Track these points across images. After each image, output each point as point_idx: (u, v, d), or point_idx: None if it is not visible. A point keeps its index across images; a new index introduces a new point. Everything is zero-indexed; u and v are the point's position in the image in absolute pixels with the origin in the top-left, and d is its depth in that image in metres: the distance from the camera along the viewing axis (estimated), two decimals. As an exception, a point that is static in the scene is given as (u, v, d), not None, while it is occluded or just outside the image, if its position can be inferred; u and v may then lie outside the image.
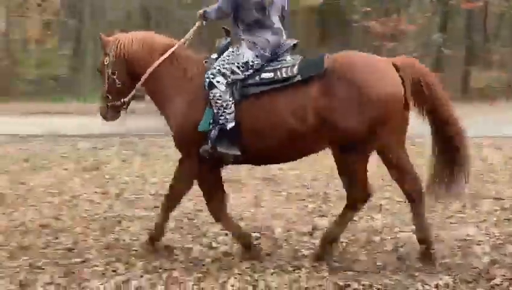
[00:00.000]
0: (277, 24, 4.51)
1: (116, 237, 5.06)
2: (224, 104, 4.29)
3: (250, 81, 4.38)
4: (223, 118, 4.29)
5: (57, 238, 5.03)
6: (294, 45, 4.57)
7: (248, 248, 4.52)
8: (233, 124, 4.31)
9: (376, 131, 4.13)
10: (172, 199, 4.61)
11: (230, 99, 4.33)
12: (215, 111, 4.30)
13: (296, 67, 4.31)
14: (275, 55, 4.46)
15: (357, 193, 4.31)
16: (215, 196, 4.58)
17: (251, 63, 4.39)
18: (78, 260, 4.48)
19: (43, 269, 4.29)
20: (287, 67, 4.34)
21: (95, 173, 7.70)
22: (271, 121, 4.28)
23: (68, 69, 20.40)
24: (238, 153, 4.35)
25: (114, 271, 4.26)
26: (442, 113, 4.29)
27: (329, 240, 4.42)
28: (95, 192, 6.67)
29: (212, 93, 4.30)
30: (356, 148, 4.18)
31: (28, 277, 4.11)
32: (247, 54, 4.40)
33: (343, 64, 4.26)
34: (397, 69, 4.25)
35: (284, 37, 4.54)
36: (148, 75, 4.52)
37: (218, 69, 4.35)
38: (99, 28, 22.81)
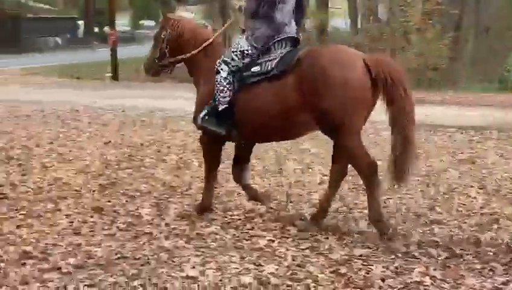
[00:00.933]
0: (280, 19, 4.94)
1: (493, 236, 4.95)
2: (221, 88, 5.04)
3: (245, 73, 5.01)
4: (217, 99, 5.07)
5: (432, 229, 5.16)
6: (293, 38, 5.08)
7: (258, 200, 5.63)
8: (224, 106, 5.04)
9: (340, 112, 4.59)
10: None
11: (227, 85, 5.03)
12: (215, 93, 5.07)
13: (276, 61, 4.89)
14: (271, 47, 5.02)
15: (361, 166, 4.72)
16: (238, 164, 5.60)
17: (246, 52, 5.03)
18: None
19: (418, 259, 4.45)
20: (271, 60, 4.92)
21: (471, 166, 7.60)
22: (257, 107, 4.91)
23: (447, 59, 20.33)
24: (223, 132, 5.13)
25: (491, 271, 4.21)
26: (400, 105, 4.58)
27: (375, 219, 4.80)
28: (471, 186, 6.60)
29: (216, 78, 5.05)
30: (333, 128, 4.71)
31: (404, 265, 4.31)
32: (243, 44, 5.06)
33: (313, 55, 4.77)
34: (367, 63, 4.60)
35: (289, 31, 5.04)
36: (187, 57, 5.53)
37: (224, 58, 5.10)
38: (481, 17, 22.18)
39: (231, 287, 4.00)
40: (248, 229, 5.22)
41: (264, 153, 7.90)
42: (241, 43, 5.09)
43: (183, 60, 5.61)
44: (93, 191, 6.36)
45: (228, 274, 4.20)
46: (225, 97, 5.05)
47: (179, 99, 13.12)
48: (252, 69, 4.99)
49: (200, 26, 6.03)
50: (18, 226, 5.10)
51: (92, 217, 5.48)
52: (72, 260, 4.37)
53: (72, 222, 5.29)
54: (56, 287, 3.93)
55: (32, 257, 4.42)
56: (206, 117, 5.19)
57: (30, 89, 17.22)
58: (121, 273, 4.20)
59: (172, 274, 4.19)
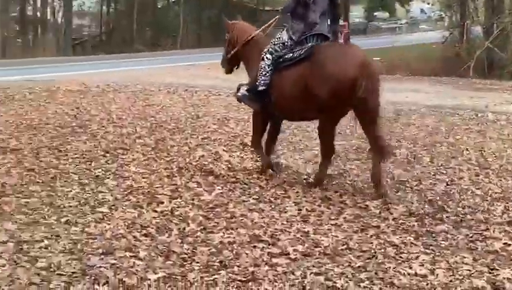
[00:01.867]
0: (313, 18, 5.96)
1: None
2: (264, 72, 6.10)
3: (281, 59, 6.03)
4: (258, 81, 6.14)
5: None
6: (324, 35, 6.06)
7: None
8: (263, 88, 6.12)
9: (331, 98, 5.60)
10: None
11: (270, 71, 6.08)
12: (257, 75, 6.13)
13: (304, 50, 5.89)
14: (303, 41, 5.99)
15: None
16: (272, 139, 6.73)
17: (285, 43, 6.09)
18: None
19: None
20: (302, 50, 5.92)
21: None
22: (287, 86, 5.95)
23: None
24: (258, 108, 6.40)
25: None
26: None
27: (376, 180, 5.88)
28: None
29: (260, 64, 6.12)
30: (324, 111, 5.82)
31: None
32: (284, 37, 6.12)
33: (321, 50, 5.81)
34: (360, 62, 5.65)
35: (320, 28, 6.02)
36: (237, 49, 6.71)
37: (268, 48, 6.15)
38: None
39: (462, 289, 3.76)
40: (482, 230, 4.89)
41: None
42: (282, 36, 6.17)
43: (235, 54, 6.76)
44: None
45: (459, 275, 3.97)
46: (266, 80, 6.12)
47: (411, 93, 12.75)
48: (286, 56, 6.04)
49: (250, 26, 7.00)
50: (250, 210, 5.32)
51: (319, 206, 5.53)
52: (300, 247, 4.43)
53: (301, 210, 5.39)
54: (284, 271, 4.02)
55: (262, 240, 4.57)
56: (246, 94, 6.36)
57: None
58: (347, 264, 4.17)
59: (400, 270, 4.06)
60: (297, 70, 5.91)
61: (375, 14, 55.97)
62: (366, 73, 5.59)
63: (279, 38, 6.17)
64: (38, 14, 37.01)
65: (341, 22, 23.20)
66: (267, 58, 6.12)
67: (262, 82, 6.13)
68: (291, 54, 6.00)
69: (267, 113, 6.47)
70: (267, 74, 6.10)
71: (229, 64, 6.98)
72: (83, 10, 39.54)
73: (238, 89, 6.53)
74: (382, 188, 5.86)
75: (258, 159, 6.88)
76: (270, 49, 6.15)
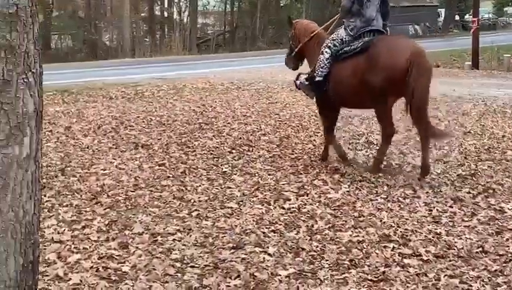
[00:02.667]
0: (369, 14, 6.42)
1: None
2: (322, 65, 6.57)
3: (340, 52, 6.47)
4: (317, 72, 6.62)
5: None
6: (379, 30, 6.51)
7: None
8: (320, 79, 6.59)
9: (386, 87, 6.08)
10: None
11: (328, 64, 6.55)
12: (316, 67, 6.62)
13: (361, 43, 6.32)
14: (361, 36, 6.43)
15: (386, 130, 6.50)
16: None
17: (343, 39, 6.52)
18: None
19: None
20: (358, 43, 6.36)
21: None
22: (345, 77, 6.39)
23: None
24: (313, 97, 7.06)
25: None
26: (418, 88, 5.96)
27: (379, 161, 6.55)
28: None
29: (319, 57, 6.59)
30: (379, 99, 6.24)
31: None
32: (342, 33, 6.57)
33: (377, 43, 6.24)
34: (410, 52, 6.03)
35: (376, 23, 6.48)
36: (301, 45, 7.18)
37: (327, 43, 6.59)
38: None
39: None
40: None
41: None
42: (340, 32, 6.59)
43: (300, 50, 7.22)
44: (452, 181, 6.19)
45: None
46: (323, 72, 6.58)
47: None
48: (344, 49, 6.44)
49: (312, 23, 7.44)
50: (378, 209, 5.22)
51: (451, 207, 5.33)
52: (432, 249, 4.29)
53: (431, 211, 5.21)
54: (416, 273, 3.90)
55: (393, 240, 4.47)
56: (305, 83, 6.89)
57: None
58: (483, 267, 3.99)
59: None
60: (354, 63, 6.31)
61: (505, 9, 53.37)
62: (416, 62, 5.96)
63: (338, 34, 6.60)
64: (166, 14, 38.51)
65: (470, 18, 22.33)
66: (326, 52, 6.58)
67: (320, 73, 6.61)
68: (348, 48, 6.42)
69: (328, 104, 6.90)
70: (325, 67, 6.57)
71: (294, 61, 7.44)
72: (207, 9, 40.67)
73: (297, 78, 7.09)
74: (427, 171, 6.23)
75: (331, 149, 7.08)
76: (329, 44, 6.58)
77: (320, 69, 6.61)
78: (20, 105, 2.23)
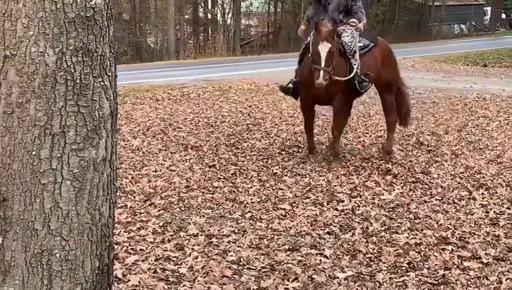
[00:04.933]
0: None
1: None
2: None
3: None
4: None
5: None
6: None
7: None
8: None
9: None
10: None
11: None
12: None
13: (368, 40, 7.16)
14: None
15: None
16: None
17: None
18: None
19: None
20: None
21: None
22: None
23: None
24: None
25: None
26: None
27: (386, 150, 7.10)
28: None
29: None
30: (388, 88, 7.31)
31: None
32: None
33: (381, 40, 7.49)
34: None
35: None
36: None
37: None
38: None
39: None
40: None
41: None
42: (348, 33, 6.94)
43: None
44: (508, 182, 6.05)
45: None
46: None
47: None
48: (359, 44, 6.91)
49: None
50: (434, 211, 5.14)
51: (508, 209, 5.21)
52: (492, 251, 4.20)
53: (488, 212, 5.11)
54: (477, 276, 3.83)
55: (451, 243, 4.39)
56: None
57: (437, 77, 17.36)
58: (545, 271, 3.89)
59: None
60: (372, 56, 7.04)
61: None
62: None
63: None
64: (209, 15, 38.75)
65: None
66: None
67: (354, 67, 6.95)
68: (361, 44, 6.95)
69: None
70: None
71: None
72: (250, 11, 40.74)
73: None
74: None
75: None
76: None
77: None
78: (96, 108, 2.26)
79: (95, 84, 2.25)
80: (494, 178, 6.20)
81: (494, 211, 5.13)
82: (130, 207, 5.31)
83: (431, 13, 43.00)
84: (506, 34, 37.49)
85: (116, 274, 3.86)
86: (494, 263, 4.04)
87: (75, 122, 2.27)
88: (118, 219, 4.96)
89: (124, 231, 4.69)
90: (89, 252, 2.30)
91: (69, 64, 2.24)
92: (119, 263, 4.07)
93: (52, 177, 2.29)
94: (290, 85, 7.34)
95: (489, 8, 47.99)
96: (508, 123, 9.39)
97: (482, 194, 5.65)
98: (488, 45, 28.87)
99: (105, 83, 2.28)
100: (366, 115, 10.29)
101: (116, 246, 4.34)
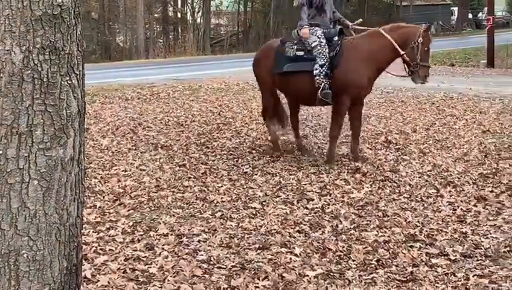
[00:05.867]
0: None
1: None
2: None
3: None
4: None
5: None
6: None
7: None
8: None
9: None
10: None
11: None
12: None
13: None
14: None
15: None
16: None
17: None
18: None
19: None
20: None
21: None
22: None
23: None
24: None
25: None
26: None
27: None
28: None
29: None
30: None
31: None
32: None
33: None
34: None
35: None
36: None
37: None
38: None
39: None
40: None
41: None
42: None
43: None
44: (475, 180, 6.15)
45: None
46: None
47: None
48: None
49: None
50: (402, 209, 5.20)
51: (475, 206, 5.30)
52: (459, 248, 4.27)
53: (455, 210, 5.19)
54: (445, 273, 3.88)
55: (419, 240, 4.45)
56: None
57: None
58: (511, 267, 3.95)
59: None
60: None
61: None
62: None
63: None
64: (179, 14, 38.58)
65: (483, 16, 22.26)
66: None
67: None
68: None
69: None
70: None
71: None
72: (220, 10, 40.68)
73: None
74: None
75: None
76: None
77: None
78: (64, 107, 2.24)
79: (63, 82, 2.23)
80: (461, 176, 6.28)
81: (461, 209, 5.21)
82: (99, 207, 5.27)
83: (399, 13, 43.50)
84: (473, 33, 38.06)
85: (85, 275, 3.82)
86: (461, 260, 4.10)
87: (42, 121, 2.24)
88: (87, 219, 4.92)
89: (93, 231, 4.65)
90: (57, 253, 2.28)
91: (36, 62, 2.22)
92: (89, 263, 4.04)
93: (19, 176, 2.27)
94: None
95: (456, 8, 48.73)
96: (474, 122, 9.52)
97: (449, 191, 5.72)
98: (455, 45, 29.29)
99: (73, 81, 2.25)
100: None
101: (85, 247, 4.30)
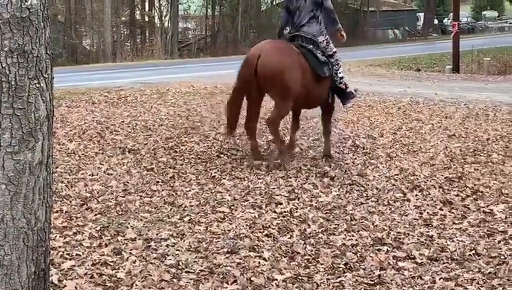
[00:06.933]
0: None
1: None
2: None
3: None
4: None
5: None
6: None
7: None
8: None
9: None
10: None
11: None
12: None
13: None
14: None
15: None
16: None
17: None
18: None
19: None
20: None
21: None
22: None
23: None
24: None
25: None
26: None
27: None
28: None
29: None
30: None
31: None
32: None
33: None
34: None
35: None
36: None
37: None
38: None
39: None
40: None
41: None
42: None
43: None
44: (440, 184, 6.24)
45: None
46: None
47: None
48: None
49: None
50: (370, 213, 5.25)
51: (441, 209, 5.38)
52: (425, 251, 4.33)
53: (422, 213, 5.26)
54: (411, 276, 3.93)
55: (386, 243, 4.49)
56: None
57: (372, 81, 17.71)
58: (477, 270, 4.03)
59: (535, 277, 3.87)
60: None
61: (483, 13, 54.15)
62: None
63: None
64: (146, 18, 38.37)
65: (449, 22, 22.84)
66: None
67: None
68: None
69: None
70: None
71: None
72: (188, 14, 40.58)
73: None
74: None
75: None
76: None
77: None
78: (32, 110, 2.22)
79: (31, 86, 2.21)
80: (427, 180, 6.37)
81: (428, 212, 5.28)
82: (66, 212, 5.21)
83: (366, 18, 44.00)
84: (439, 39, 38.65)
85: (52, 280, 3.77)
86: (428, 263, 4.15)
87: (10, 124, 2.21)
88: (53, 223, 4.84)
89: (60, 236, 4.59)
90: (24, 257, 2.25)
91: (3, 65, 2.19)
92: (55, 268, 3.98)
93: (-14, 181, 2.23)
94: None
95: (422, 14, 49.48)
96: (440, 126, 9.67)
97: (416, 195, 5.80)
98: (421, 50, 29.76)
99: (42, 85, 2.23)
100: (304, 118, 10.39)
101: (51, 251, 4.23)
